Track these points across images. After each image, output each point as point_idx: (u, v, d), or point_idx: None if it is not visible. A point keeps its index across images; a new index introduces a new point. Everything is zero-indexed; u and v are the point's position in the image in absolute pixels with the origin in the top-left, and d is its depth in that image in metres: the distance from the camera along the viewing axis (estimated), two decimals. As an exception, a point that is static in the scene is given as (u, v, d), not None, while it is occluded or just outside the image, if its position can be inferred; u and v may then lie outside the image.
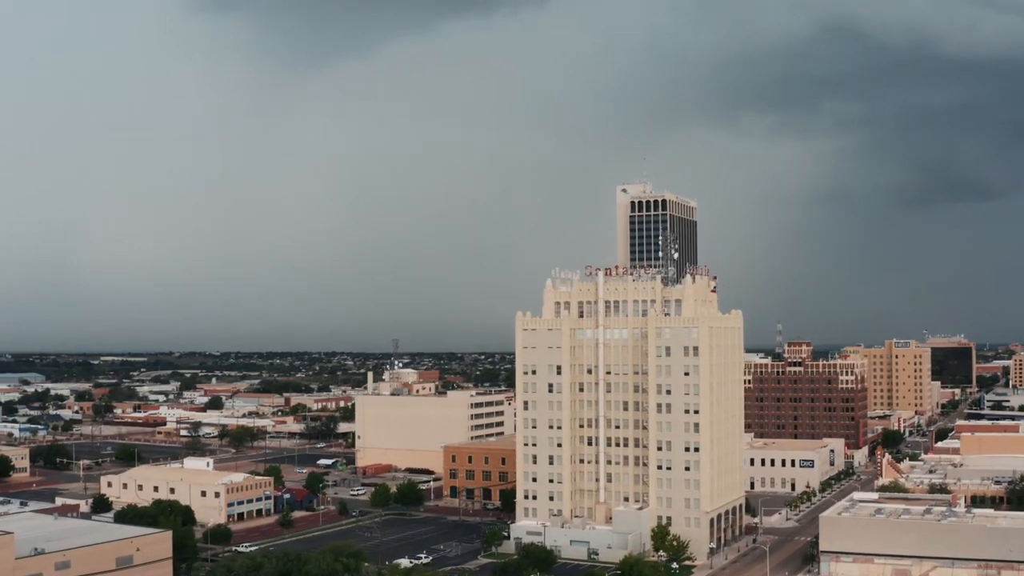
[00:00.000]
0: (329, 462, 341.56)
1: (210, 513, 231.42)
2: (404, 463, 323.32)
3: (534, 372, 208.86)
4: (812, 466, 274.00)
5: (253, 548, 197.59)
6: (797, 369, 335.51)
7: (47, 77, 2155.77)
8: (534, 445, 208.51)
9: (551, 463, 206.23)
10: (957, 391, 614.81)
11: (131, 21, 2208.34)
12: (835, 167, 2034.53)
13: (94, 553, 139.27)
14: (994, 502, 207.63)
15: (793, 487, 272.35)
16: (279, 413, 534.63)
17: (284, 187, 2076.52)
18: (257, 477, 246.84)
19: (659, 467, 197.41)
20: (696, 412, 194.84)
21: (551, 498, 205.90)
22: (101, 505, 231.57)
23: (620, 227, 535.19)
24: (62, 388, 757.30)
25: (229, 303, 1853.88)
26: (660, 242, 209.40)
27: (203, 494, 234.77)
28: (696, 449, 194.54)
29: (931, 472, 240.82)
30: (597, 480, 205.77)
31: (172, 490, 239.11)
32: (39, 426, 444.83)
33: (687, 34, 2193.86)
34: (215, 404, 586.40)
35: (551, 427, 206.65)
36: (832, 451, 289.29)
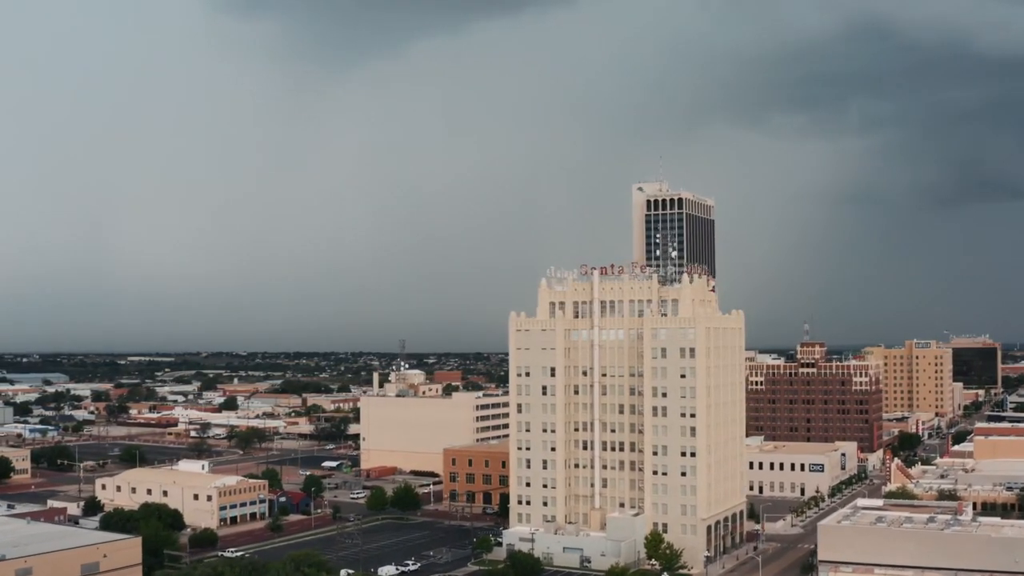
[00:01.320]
0: (334, 464, 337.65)
1: (202, 516, 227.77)
2: (409, 466, 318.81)
3: (528, 374, 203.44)
4: (822, 470, 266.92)
5: (239, 553, 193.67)
6: (810, 370, 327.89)
7: (75, 81, 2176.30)
8: (528, 449, 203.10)
9: (545, 467, 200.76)
10: (981, 392, 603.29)
11: (158, 24, 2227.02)
12: (863, 166, 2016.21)
13: (58, 560, 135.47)
14: (1005, 509, 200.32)
15: (803, 492, 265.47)
16: (292, 414, 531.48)
17: (313, 187, 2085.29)
18: (251, 480, 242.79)
19: (655, 472, 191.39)
20: (693, 415, 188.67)
21: (545, 503, 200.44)
22: (93, 508, 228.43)
23: (636, 226, 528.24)
24: (83, 388, 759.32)
25: (258, 303, 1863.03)
26: (658, 240, 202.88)
27: (195, 497, 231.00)
28: (693, 454, 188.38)
29: (942, 477, 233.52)
30: (592, 485, 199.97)
31: (165, 493, 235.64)
32: (49, 427, 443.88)
33: (714, 33, 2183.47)
34: (230, 405, 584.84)
35: (545, 430, 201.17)
36: (843, 455, 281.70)
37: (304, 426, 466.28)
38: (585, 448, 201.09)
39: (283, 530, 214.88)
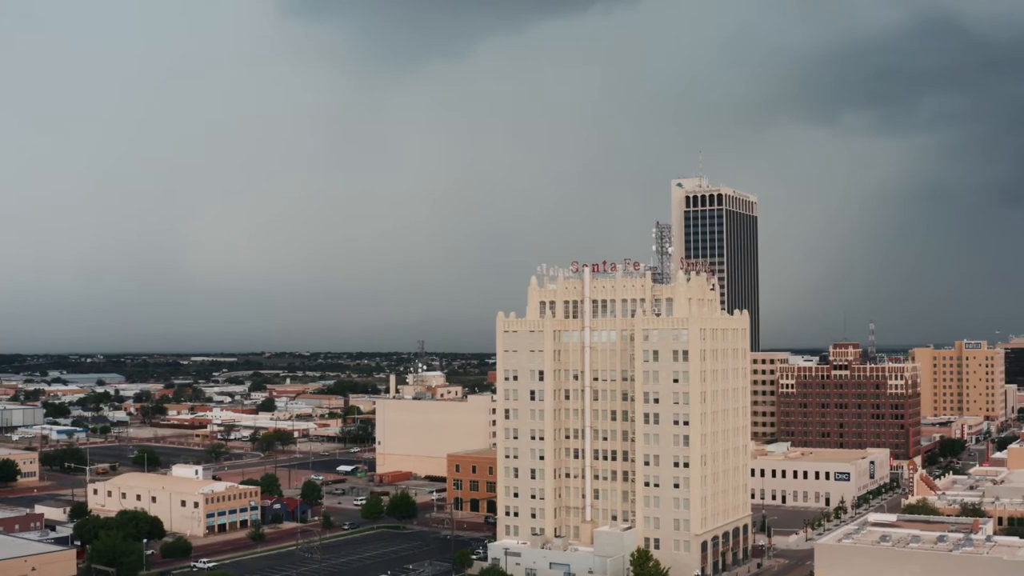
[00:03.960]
0: (349, 469, 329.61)
1: (189, 524, 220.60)
2: (424, 470, 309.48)
3: (515, 378, 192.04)
4: (848, 479, 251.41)
5: (211, 564, 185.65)
6: (843, 373, 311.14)
7: (145, 81, 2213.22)
8: (515, 457, 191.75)
9: (533, 477, 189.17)
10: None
11: (227, 26, 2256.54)
12: (933, 164, 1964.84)
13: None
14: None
15: (827, 502, 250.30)
16: (327, 416, 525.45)
17: (377, 188, 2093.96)
18: (241, 487, 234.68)
19: (646, 484, 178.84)
20: (686, 423, 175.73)
21: (533, 515, 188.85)
22: (79, 513, 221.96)
23: (675, 222, 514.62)
24: (133, 389, 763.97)
25: (324, 303, 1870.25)
26: (654, 235, 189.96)
27: (183, 504, 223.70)
28: (686, 464, 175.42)
29: (971, 489, 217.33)
30: (583, 496, 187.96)
31: (154, 499, 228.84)
32: (78, 429, 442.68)
33: (781, 30, 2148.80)
34: (267, 406, 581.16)
35: (533, 438, 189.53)
36: (872, 463, 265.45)
37: (334, 428, 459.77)
38: (576, 457, 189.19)
39: (265, 539, 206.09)
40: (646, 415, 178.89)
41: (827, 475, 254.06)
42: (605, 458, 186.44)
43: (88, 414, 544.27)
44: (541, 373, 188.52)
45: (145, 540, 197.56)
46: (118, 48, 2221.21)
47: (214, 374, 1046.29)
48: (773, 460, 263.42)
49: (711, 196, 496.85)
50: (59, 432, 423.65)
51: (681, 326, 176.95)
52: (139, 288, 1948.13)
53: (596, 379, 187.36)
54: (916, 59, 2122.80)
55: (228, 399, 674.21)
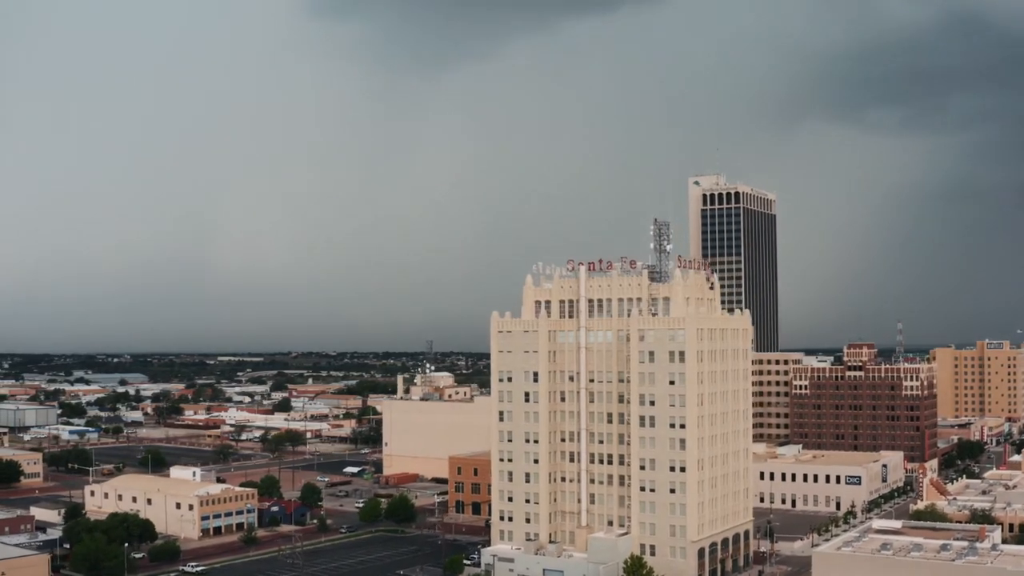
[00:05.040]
0: (355, 470, 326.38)
1: (183, 527, 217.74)
2: (431, 472, 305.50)
3: (510, 379, 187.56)
4: (859, 483, 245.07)
5: (200, 569, 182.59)
6: (857, 374, 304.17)
7: (174, 81, 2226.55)
8: (510, 461, 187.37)
9: (527, 481, 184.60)
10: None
11: (257, 26, 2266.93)
12: (962, 162, 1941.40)
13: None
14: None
15: (838, 506, 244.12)
16: (342, 416, 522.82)
17: (408, 187, 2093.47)
18: (237, 489, 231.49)
19: (642, 488, 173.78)
20: (682, 426, 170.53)
21: (528, 520, 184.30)
22: (73, 515, 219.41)
23: (692, 221, 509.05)
24: (154, 389, 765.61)
25: (352, 302, 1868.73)
26: (652, 232, 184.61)
27: (177, 506, 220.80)
28: (682, 469, 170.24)
29: (983, 493, 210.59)
30: (579, 501, 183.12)
31: (149, 501, 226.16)
32: (90, 429, 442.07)
33: (808, 28, 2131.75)
34: (283, 406, 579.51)
35: (527, 441, 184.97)
36: (885, 466, 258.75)
37: (349, 429, 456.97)
38: (572, 460, 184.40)
39: (257, 543, 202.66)
40: (641, 418, 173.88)
41: (837, 479, 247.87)
42: (601, 462, 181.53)
43: (104, 414, 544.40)
44: (536, 374, 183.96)
45: (135, 543, 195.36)
46: (148, 48, 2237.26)
47: (238, 374, 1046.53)
48: (783, 463, 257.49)
49: (728, 194, 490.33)
50: (71, 432, 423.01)
51: (677, 326, 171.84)
52: (168, 288, 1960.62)
53: (592, 381, 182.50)
54: (944, 57, 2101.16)
55: (247, 399, 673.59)
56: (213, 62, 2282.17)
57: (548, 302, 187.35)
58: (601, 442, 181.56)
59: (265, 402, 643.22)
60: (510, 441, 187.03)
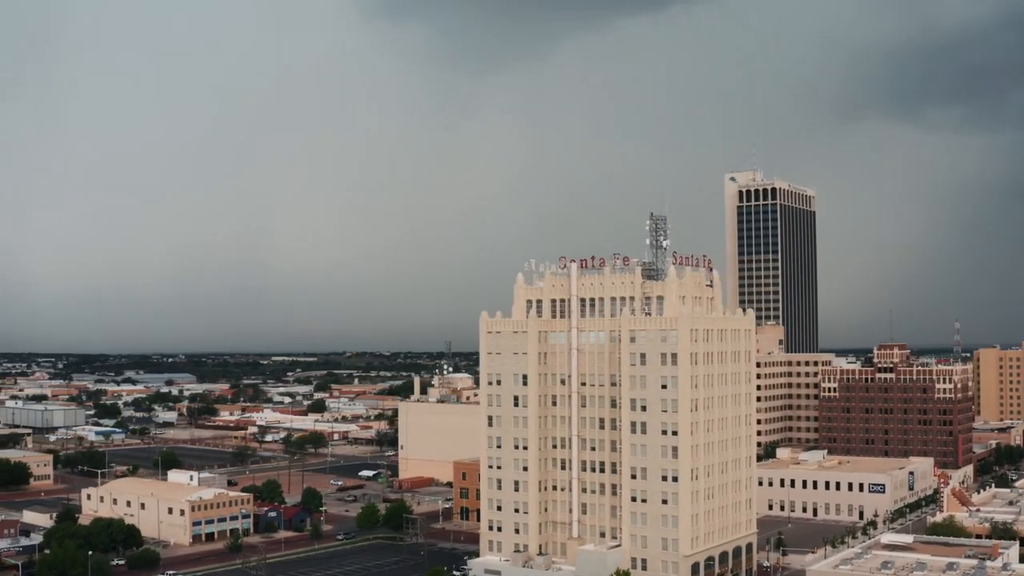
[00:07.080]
0: (371, 474, 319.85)
1: (175, 532, 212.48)
2: (446, 476, 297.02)
3: (499, 382, 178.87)
4: (883, 491, 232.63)
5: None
6: (888, 376, 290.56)
7: (232, 83, 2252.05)
8: (499, 468, 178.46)
9: (517, 489, 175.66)
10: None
11: (314, 28, 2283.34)
12: (1018, 160, 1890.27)
13: None
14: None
15: (861, 515, 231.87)
16: (373, 417, 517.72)
17: (462, 187, 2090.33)
18: (233, 493, 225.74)
19: (633, 499, 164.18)
20: (675, 433, 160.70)
21: (517, 530, 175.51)
22: (65, 519, 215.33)
23: (728, 217, 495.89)
24: (199, 388, 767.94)
25: (408, 300, 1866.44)
26: (648, 227, 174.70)
27: (169, 511, 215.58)
28: (675, 478, 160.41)
29: (1011, 504, 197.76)
30: (570, 511, 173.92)
31: (143, 505, 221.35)
32: (117, 430, 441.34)
33: (865, 24, 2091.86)
34: (317, 407, 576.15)
35: (517, 447, 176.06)
36: (912, 473, 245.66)
37: (374, 431, 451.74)
38: (563, 468, 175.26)
39: (242, 550, 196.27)
40: (633, 424, 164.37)
41: (860, 487, 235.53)
42: (594, 470, 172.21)
43: (138, 415, 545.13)
44: (525, 377, 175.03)
45: (119, 550, 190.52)
46: (207, 51, 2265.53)
47: (288, 374, 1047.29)
48: (804, 470, 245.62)
49: (764, 190, 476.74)
50: (97, 433, 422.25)
51: (669, 326, 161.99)
52: (226, 288, 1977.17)
53: (584, 384, 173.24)
54: (1004, 54, 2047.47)
55: (288, 400, 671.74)
56: (270, 68, 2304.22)
57: (539, 301, 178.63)
58: (593, 449, 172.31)
59: (306, 403, 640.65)
60: (499, 447, 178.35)
